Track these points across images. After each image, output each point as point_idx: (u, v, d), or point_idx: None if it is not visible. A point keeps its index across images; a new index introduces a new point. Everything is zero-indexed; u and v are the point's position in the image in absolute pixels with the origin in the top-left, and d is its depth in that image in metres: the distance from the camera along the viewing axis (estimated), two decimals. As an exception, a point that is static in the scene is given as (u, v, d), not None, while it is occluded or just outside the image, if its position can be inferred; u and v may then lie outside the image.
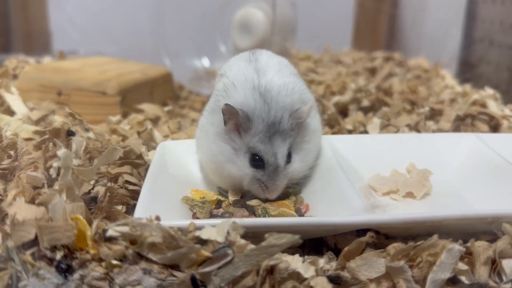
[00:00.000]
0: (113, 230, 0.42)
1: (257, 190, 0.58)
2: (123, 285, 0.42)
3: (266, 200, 0.59)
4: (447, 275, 0.44)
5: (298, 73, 0.70)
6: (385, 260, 0.44)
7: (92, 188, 0.54)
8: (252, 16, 1.36)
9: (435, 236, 0.45)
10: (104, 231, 0.42)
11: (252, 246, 0.43)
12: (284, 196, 0.61)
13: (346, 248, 0.45)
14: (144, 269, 0.42)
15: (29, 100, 0.83)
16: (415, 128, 0.84)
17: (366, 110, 0.98)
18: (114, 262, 0.42)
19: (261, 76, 0.58)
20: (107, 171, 0.56)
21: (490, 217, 0.47)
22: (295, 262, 0.45)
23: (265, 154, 0.57)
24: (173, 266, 0.43)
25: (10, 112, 0.78)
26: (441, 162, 0.69)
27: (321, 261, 0.46)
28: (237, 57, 0.67)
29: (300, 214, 0.58)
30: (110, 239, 0.42)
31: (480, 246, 0.46)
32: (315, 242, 0.52)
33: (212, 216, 0.57)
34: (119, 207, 0.53)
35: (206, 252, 0.42)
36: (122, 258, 0.42)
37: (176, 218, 0.53)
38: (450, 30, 1.52)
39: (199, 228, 0.45)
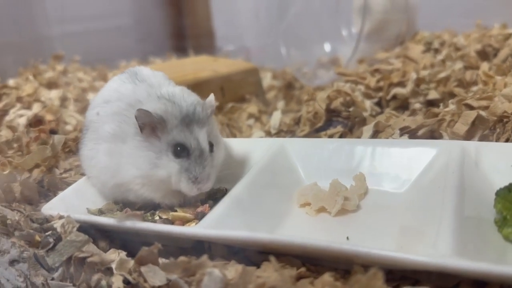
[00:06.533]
0: (-10, 212, 0.56)
1: (187, 185, 0.56)
2: (1, 252, 0.56)
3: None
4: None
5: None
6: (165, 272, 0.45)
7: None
8: (372, -3, 1.28)
9: (205, 256, 0.43)
10: (-14, 212, 0.57)
11: (72, 239, 0.51)
12: (212, 197, 0.62)
13: (138, 254, 0.47)
14: (12, 242, 0.55)
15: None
16: (437, 130, 0.70)
17: (432, 104, 0.84)
18: (-6, 234, 0.56)
19: (157, 89, 0.60)
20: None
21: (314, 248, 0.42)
22: (108, 256, 0.51)
23: (186, 140, 0.56)
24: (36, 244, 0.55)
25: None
26: (401, 173, 0.59)
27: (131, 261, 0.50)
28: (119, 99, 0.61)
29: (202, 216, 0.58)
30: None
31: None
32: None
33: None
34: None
35: (38, 238, 0.52)
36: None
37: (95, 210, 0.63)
38: None
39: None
